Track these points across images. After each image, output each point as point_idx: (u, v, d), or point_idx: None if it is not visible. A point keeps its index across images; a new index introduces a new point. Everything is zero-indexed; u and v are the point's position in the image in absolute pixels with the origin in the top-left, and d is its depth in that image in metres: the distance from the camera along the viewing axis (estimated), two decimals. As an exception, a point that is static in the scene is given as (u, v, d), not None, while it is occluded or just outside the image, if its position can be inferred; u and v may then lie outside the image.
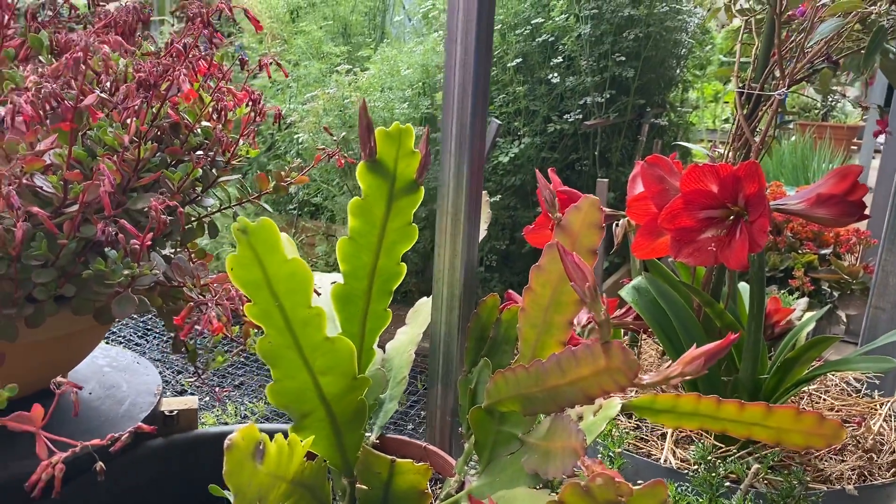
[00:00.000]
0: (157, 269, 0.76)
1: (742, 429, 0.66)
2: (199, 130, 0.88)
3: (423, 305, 1.00)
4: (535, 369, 0.65)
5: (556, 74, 1.92)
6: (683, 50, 2.15)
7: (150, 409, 0.96)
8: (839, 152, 4.37)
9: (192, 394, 1.84)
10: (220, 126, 0.82)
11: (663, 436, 1.15)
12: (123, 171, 0.72)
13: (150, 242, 0.69)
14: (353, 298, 0.80)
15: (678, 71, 2.18)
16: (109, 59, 0.73)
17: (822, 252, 2.09)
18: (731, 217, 1.05)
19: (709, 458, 0.88)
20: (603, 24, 1.88)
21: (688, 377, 0.54)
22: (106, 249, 0.70)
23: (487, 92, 0.86)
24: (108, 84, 0.78)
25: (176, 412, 1.01)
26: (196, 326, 0.74)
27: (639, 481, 0.52)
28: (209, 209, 0.99)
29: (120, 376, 1.04)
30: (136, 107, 0.70)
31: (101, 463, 0.59)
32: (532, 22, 1.96)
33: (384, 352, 0.95)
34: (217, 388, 1.57)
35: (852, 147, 5.54)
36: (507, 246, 1.95)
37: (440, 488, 0.83)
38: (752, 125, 1.12)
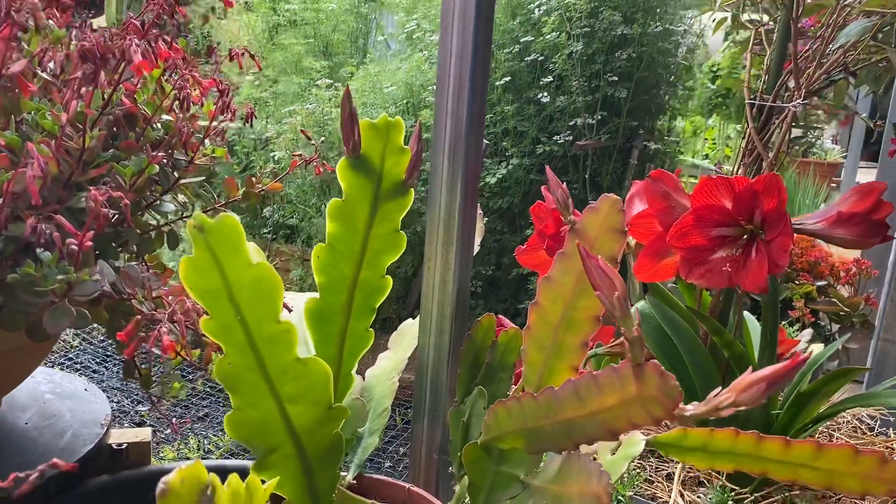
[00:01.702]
0: (98, 276, 0.65)
1: (786, 471, 0.56)
2: (158, 125, 0.78)
3: (409, 328, 0.89)
4: (545, 398, 0.55)
5: (545, 94, 1.84)
6: (672, 76, 2.09)
7: (94, 441, 0.84)
8: (822, 187, 4.34)
9: (151, 425, 1.71)
10: (182, 116, 0.72)
11: (668, 476, 1.05)
12: (63, 161, 0.61)
13: (90, 243, 0.58)
14: (329, 315, 0.70)
15: (667, 97, 2.12)
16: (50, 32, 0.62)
17: (819, 284, 2.02)
18: (745, 236, 0.96)
19: (727, 501, 0.78)
20: (595, 43, 1.81)
21: (742, 407, 0.44)
22: (39, 251, 0.59)
23: (486, 82, 0.76)
24: (50, 65, 0.68)
25: (125, 445, 0.89)
26: (144, 344, 0.63)
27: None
28: (168, 217, 0.88)
29: (63, 405, 0.92)
30: (79, 83, 0.59)
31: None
32: (521, 41, 1.88)
33: (363, 379, 0.84)
34: (175, 420, 1.44)
35: (832, 185, 5.54)
36: (494, 272, 1.85)
37: (426, 538, 0.72)
38: (764, 139, 1.04)
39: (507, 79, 1.89)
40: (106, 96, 0.68)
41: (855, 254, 2.23)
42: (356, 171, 0.68)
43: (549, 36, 1.79)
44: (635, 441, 0.57)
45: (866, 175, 4.28)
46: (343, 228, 0.68)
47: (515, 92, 1.91)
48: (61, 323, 0.59)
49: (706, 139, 5.41)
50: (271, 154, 1.97)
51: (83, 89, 0.62)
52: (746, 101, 1.07)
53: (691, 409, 0.45)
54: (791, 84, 1.04)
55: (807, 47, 1.03)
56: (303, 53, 2.18)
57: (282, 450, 0.60)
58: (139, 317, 0.61)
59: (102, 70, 0.65)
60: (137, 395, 1.78)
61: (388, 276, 0.72)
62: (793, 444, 0.55)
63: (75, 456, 0.82)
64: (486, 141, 1.84)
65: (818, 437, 1.17)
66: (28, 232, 0.56)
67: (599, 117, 1.82)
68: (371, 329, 0.72)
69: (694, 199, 0.94)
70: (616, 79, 1.81)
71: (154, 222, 0.88)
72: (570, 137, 1.84)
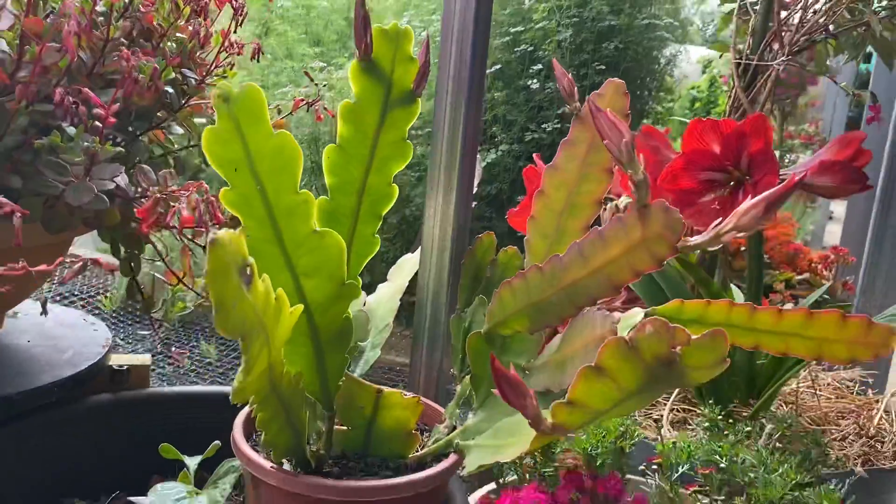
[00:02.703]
0: (118, 172, 0.67)
1: (778, 341, 0.59)
2: (173, 43, 0.81)
3: (407, 260, 0.91)
4: (550, 267, 0.58)
5: (535, 81, 1.89)
6: (657, 71, 2.16)
7: (96, 358, 0.86)
8: (799, 202, 4.43)
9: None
10: (199, 22, 0.75)
11: (656, 421, 1.07)
12: (88, 48, 0.64)
13: (113, 119, 0.60)
14: (339, 217, 0.72)
15: (650, 92, 2.18)
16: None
17: (799, 278, 2.07)
18: (732, 183, 1.00)
19: (718, 419, 0.81)
20: (584, 32, 1.87)
21: (743, 232, 0.47)
22: (65, 125, 0.61)
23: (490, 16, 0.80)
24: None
25: (126, 367, 0.90)
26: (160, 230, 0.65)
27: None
28: (174, 144, 0.90)
29: (64, 330, 0.93)
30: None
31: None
32: (511, 31, 1.94)
33: (364, 305, 0.86)
34: (176, 349, 1.44)
35: (808, 208, 5.64)
36: (481, 256, 1.87)
37: (429, 437, 0.74)
38: (750, 96, 1.09)
39: (497, 67, 1.94)
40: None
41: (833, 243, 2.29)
42: (367, 74, 0.70)
43: (538, 25, 1.85)
44: (636, 313, 0.59)
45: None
46: (354, 131, 0.70)
47: (505, 80, 1.96)
48: (83, 196, 0.61)
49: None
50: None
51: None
52: (732, 61, 1.12)
53: (695, 240, 0.48)
54: (776, 46, 1.09)
55: (790, 10, 1.08)
56: (296, 39, 2.22)
57: (295, 326, 0.62)
58: (158, 195, 0.63)
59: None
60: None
61: (395, 185, 0.74)
62: (784, 313, 0.58)
63: (77, 369, 0.83)
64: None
65: (800, 399, 1.20)
66: (57, 99, 0.58)
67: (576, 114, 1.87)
68: (377, 235, 0.75)
69: (684, 142, 0.98)
70: (604, 68, 1.87)
71: (161, 150, 0.90)
72: (559, 126, 1.89)
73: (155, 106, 0.81)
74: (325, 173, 0.71)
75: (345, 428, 0.70)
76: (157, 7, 0.78)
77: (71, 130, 0.61)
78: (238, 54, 0.91)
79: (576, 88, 0.64)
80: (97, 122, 0.61)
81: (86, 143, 0.59)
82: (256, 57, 0.95)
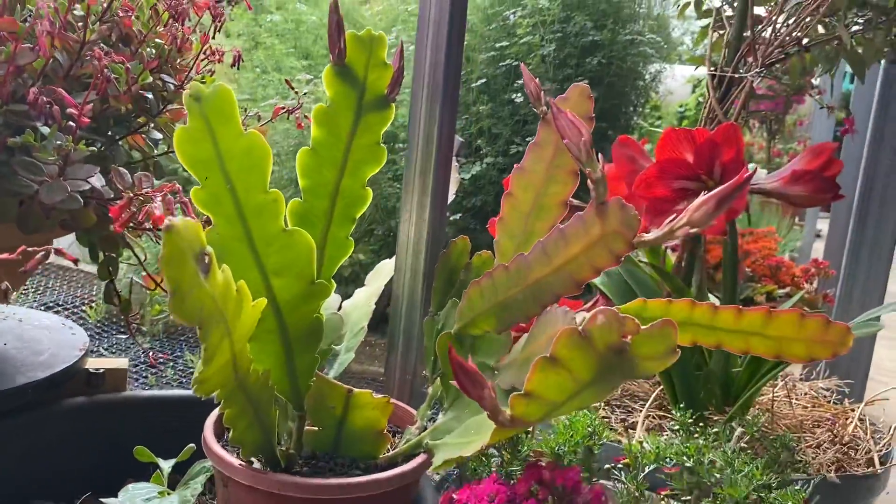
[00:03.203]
0: (92, 173, 0.68)
1: (739, 340, 0.60)
2: (152, 49, 0.82)
3: (385, 265, 0.92)
4: (516, 266, 0.59)
5: (519, 95, 1.91)
6: (641, 87, 2.18)
7: (72, 361, 0.86)
8: (786, 218, 4.47)
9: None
10: (177, 27, 0.76)
11: (632, 427, 1.08)
12: (64, 51, 0.65)
13: (87, 120, 0.61)
14: (311, 219, 0.73)
15: (635, 108, 2.21)
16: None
17: (781, 292, 2.09)
18: (706, 191, 1.02)
19: (688, 423, 0.81)
20: (567, 47, 1.89)
21: (696, 228, 0.48)
22: (39, 125, 0.62)
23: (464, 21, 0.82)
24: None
25: (102, 371, 0.90)
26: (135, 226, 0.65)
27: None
28: (155, 148, 0.91)
29: (41, 333, 0.93)
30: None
31: None
32: (497, 46, 1.96)
33: (340, 309, 0.87)
34: (153, 352, 1.44)
35: (795, 225, 5.69)
36: (466, 268, 1.88)
37: (400, 439, 0.74)
38: (725, 108, 1.11)
39: (483, 81, 1.96)
40: (106, 3, 0.72)
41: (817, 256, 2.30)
42: (341, 79, 0.71)
43: (523, 40, 1.87)
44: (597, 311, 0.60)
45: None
46: (327, 134, 0.71)
47: (490, 94, 1.98)
48: (56, 195, 0.62)
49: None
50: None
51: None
52: (707, 73, 1.13)
53: (649, 235, 0.49)
54: (750, 59, 1.11)
55: (763, 23, 1.10)
56: (285, 54, 2.24)
57: (264, 324, 0.62)
58: (132, 195, 0.63)
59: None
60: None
61: (369, 189, 0.75)
62: (744, 312, 0.59)
63: (51, 371, 0.83)
64: (460, 139, 1.89)
65: (776, 408, 1.21)
66: (31, 98, 0.59)
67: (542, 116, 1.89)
68: (351, 238, 0.75)
69: (658, 151, 1.00)
70: (587, 82, 1.89)
71: (140, 154, 0.91)
72: (543, 139, 1.90)
73: (134, 111, 0.82)
74: (298, 176, 0.72)
75: (315, 428, 0.70)
76: (137, 13, 0.79)
77: (45, 130, 0.61)
78: (218, 61, 0.92)
79: (542, 92, 0.65)
80: (71, 123, 0.61)
81: (59, 143, 0.59)
82: (237, 64, 0.96)
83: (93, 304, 2.06)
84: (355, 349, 0.82)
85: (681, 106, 5.48)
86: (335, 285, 0.77)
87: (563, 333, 0.43)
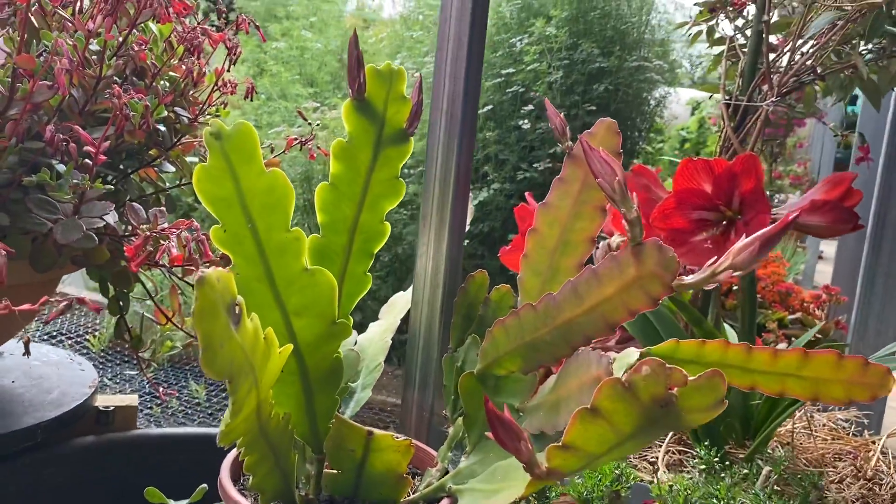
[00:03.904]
0: (107, 210, 0.66)
1: (775, 382, 0.58)
2: (166, 82, 0.81)
3: (399, 298, 0.91)
4: (544, 306, 0.57)
5: (526, 121, 1.90)
6: (647, 112, 2.18)
7: (81, 399, 0.84)
8: (790, 242, 4.46)
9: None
10: (192, 60, 0.75)
11: (652, 463, 1.06)
12: (80, 86, 0.64)
13: (104, 157, 0.60)
14: (330, 255, 0.71)
15: (640, 133, 2.20)
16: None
17: (792, 317, 2.07)
18: (725, 222, 1.00)
19: (714, 461, 0.79)
20: (574, 74, 1.89)
21: (739, 271, 0.46)
22: (55, 163, 0.61)
23: (483, 40, 0.81)
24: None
25: (112, 408, 0.88)
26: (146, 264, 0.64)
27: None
28: (167, 181, 0.90)
29: (51, 369, 0.92)
30: (98, 10, 0.62)
31: None
32: (503, 72, 1.96)
33: (355, 344, 0.85)
34: (163, 388, 1.42)
35: (798, 248, 5.68)
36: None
37: (420, 481, 0.72)
38: (740, 137, 1.10)
39: (489, 107, 1.96)
40: (121, 38, 0.71)
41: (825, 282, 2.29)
42: (360, 113, 0.70)
43: (530, 66, 1.87)
44: (631, 352, 0.59)
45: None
46: (346, 169, 0.70)
47: (497, 120, 1.98)
48: (72, 234, 0.61)
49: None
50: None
51: (102, 18, 0.65)
52: (722, 101, 1.13)
53: (689, 278, 0.47)
54: (765, 88, 1.10)
55: (778, 52, 1.10)
56: (290, 81, 2.24)
57: (285, 365, 0.61)
58: (148, 232, 0.62)
59: (122, 7, 0.68)
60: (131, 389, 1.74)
61: (387, 223, 0.74)
62: (780, 353, 0.57)
63: (61, 410, 0.81)
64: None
65: (796, 441, 1.19)
66: (47, 136, 0.57)
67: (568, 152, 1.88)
68: (369, 274, 0.74)
69: (676, 181, 0.99)
70: (594, 108, 1.89)
71: (152, 188, 0.90)
72: (550, 165, 1.90)
73: (147, 144, 0.81)
74: (317, 211, 0.71)
75: (334, 471, 0.68)
76: (151, 46, 0.79)
77: (61, 168, 0.60)
78: (231, 93, 0.91)
79: (567, 127, 0.64)
80: (87, 160, 0.60)
81: (75, 181, 0.58)
82: (250, 96, 0.95)
83: (96, 333, 2.04)
84: (372, 386, 0.80)
85: (682, 129, 5.50)
86: (352, 331, 0.76)
87: (605, 384, 0.41)
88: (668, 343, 0.60)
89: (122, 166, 0.82)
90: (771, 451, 1.09)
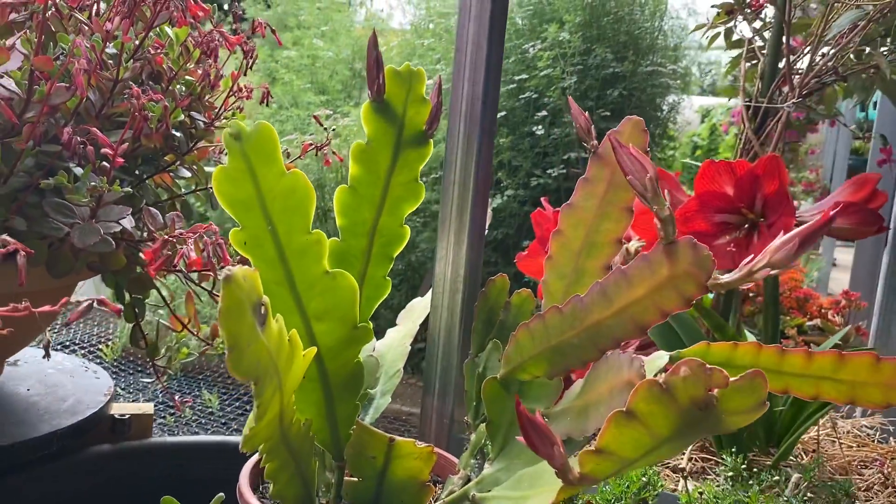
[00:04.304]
0: (124, 214, 0.65)
1: (809, 386, 0.57)
2: (182, 85, 0.80)
3: (417, 304, 0.89)
4: (571, 308, 0.56)
5: (540, 127, 1.89)
6: (661, 118, 2.17)
7: (97, 407, 0.83)
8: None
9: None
10: (209, 63, 0.74)
11: (675, 469, 1.04)
12: (97, 89, 0.63)
13: (121, 160, 0.59)
14: (349, 259, 0.70)
15: (654, 139, 2.19)
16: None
17: (810, 324, 2.05)
18: (747, 225, 0.99)
19: (741, 468, 0.77)
20: (588, 80, 1.88)
21: (776, 270, 0.45)
22: (72, 166, 0.60)
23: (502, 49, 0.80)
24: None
25: (128, 416, 0.87)
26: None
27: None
28: (182, 187, 0.89)
29: (65, 377, 0.91)
30: (116, 12, 0.61)
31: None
32: (516, 78, 1.95)
33: (374, 350, 0.84)
34: (175, 394, 1.41)
35: (812, 255, 5.63)
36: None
37: (442, 489, 0.71)
38: (761, 139, 1.08)
39: (503, 114, 1.95)
40: (138, 40, 0.70)
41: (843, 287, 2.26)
42: (379, 115, 0.69)
43: (543, 72, 1.86)
44: (660, 355, 0.57)
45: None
46: (365, 172, 0.69)
47: (510, 126, 1.97)
48: (90, 238, 0.60)
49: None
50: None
51: (120, 21, 0.64)
52: (742, 104, 1.11)
53: (726, 277, 0.46)
54: (785, 89, 1.09)
55: (798, 53, 1.08)
56: (302, 89, 2.24)
57: (306, 371, 0.60)
58: (166, 236, 0.61)
59: (138, 10, 0.67)
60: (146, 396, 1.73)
61: (406, 226, 0.73)
62: (815, 355, 0.56)
63: (77, 418, 0.80)
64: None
65: (822, 449, 1.17)
66: (65, 139, 0.56)
67: (593, 151, 1.87)
68: (388, 278, 0.73)
69: (697, 184, 0.97)
70: (608, 114, 1.88)
71: (167, 194, 0.89)
72: (564, 171, 1.88)
73: (163, 149, 0.81)
74: (336, 215, 0.70)
75: (355, 479, 0.67)
76: (168, 50, 0.78)
77: (78, 171, 0.59)
78: (247, 98, 0.90)
79: (592, 126, 0.63)
80: (105, 163, 0.59)
81: (93, 184, 0.57)
82: (266, 101, 0.95)
83: (109, 343, 2.04)
84: (391, 393, 0.79)
85: (694, 135, 5.48)
86: (371, 326, 0.74)
87: (642, 386, 0.40)
88: (699, 346, 0.58)
89: (137, 171, 0.81)
90: (797, 459, 1.07)
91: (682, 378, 0.39)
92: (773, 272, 0.44)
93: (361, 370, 0.63)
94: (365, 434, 0.65)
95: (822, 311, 2.16)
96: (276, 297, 0.58)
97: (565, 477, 0.44)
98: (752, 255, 0.46)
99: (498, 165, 1.96)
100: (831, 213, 0.43)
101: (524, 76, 1.95)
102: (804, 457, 1.13)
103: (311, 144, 1.03)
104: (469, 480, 0.68)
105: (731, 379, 0.38)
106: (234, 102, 0.88)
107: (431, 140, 0.74)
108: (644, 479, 0.65)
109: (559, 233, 0.63)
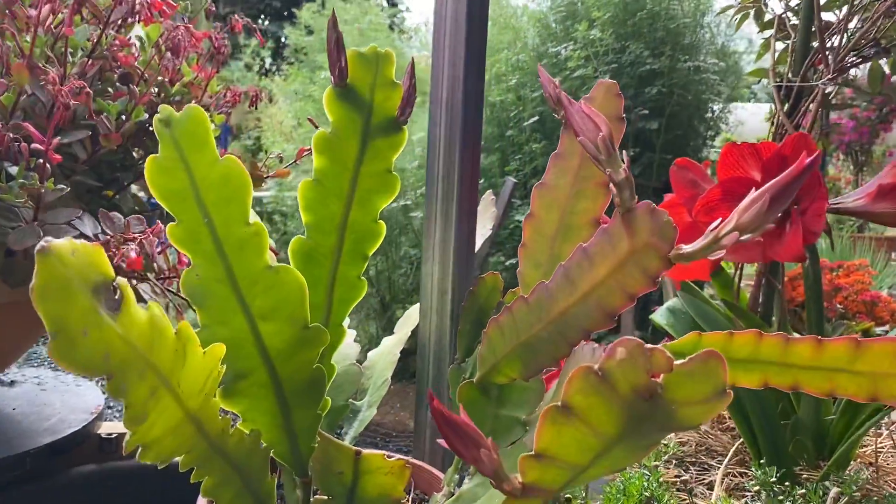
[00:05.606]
0: (74, 217, 0.62)
1: (822, 379, 0.48)
2: (155, 88, 0.77)
3: (415, 310, 0.83)
4: (536, 297, 0.49)
5: (575, 131, 1.82)
6: (710, 118, 2.06)
7: (80, 425, 0.79)
8: (880, 255, 4.17)
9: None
10: (170, 58, 0.71)
11: (710, 486, 0.94)
12: (45, 80, 0.60)
13: (59, 157, 0.55)
14: (317, 258, 0.65)
15: (704, 140, 2.08)
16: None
17: (880, 329, 1.89)
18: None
19: (772, 482, 0.68)
20: (623, 77, 1.80)
21: (747, 234, 0.37)
22: (7, 165, 0.57)
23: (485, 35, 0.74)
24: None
25: (115, 436, 0.84)
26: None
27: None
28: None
29: (55, 396, 0.88)
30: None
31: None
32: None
33: (366, 360, 0.79)
34: None
35: (892, 261, 5.31)
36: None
37: (425, 507, 0.64)
38: (795, 122, 0.99)
39: (535, 119, 1.88)
40: (95, 36, 0.67)
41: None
42: (343, 101, 0.64)
43: (576, 73, 1.79)
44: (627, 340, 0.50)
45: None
46: (330, 163, 0.64)
47: (544, 132, 1.90)
48: (27, 241, 0.56)
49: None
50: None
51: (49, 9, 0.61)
52: (772, 85, 1.02)
53: (688, 247, 0.39)
54: (820, 67, 0.99)
55: (832, 27, 0.99)
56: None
57: (253, 376, 0.55)
58: (108, 238, 0.57)
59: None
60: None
61: (381, 222, 0.67)
62: (826, 343, 0.47)
63: (56, 437, 0.77)
64: (513, 180, 1.79)
65: (882, 462, 1.05)
66: (-8, 135, 0.53)
67: (632, 153, 1.78)
68: (363, 278, 0.67)
69: (720, 170, 0.89)
70: (647, 112, 1.79)
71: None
72: (602, 176, 1.80)
73: (144, 156, 0.78)
74: (301, 211, 0.65)
75: (324, 497, 0.61)
76: (141, 51, 0.75)
77: (13, 170, 0.56)
78: (233, 103, 0.87)
79: (562, 93, 0.56)
80: (47, 164, 0.56)
81: (21, 181, 0.54)
82: (255, 104, 0.91)
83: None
84: (377, 404, 0.73)
85: (757, 140, 5.28)
86: (346, 331, 0.69)
87: (575, 374, 0.33)
88: (689, 336, 0.51)
89: (118, 177, 0.78)
90: (852, 473, 0.96)
91: (617, 362, 0.32)
92: (742, 237, 0.37)
93: (322, 376, 0.57)
94: (330, 447, 0.59)
95: (895, 315, 2.00)
96: (218, 296, 0.53)
97: (501, 486, 0.37)
98: (720, 219, 0.39)
99: (531, 172, 1.89)
100: (809, 160, 0.36)
101: (557, 79, 1.88)
102: (862, 473, 1.01)
103: (308, 149, 0.98)
104: (451, 496, 0.61)
105: (677, 362, 0.31)
106: (223, 99, 0.85)
107: (405, 127, 0.68)
108: (646, 493, 0.57)
109: (532, 216, 0.56)
